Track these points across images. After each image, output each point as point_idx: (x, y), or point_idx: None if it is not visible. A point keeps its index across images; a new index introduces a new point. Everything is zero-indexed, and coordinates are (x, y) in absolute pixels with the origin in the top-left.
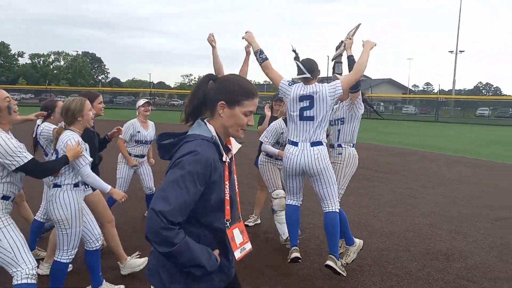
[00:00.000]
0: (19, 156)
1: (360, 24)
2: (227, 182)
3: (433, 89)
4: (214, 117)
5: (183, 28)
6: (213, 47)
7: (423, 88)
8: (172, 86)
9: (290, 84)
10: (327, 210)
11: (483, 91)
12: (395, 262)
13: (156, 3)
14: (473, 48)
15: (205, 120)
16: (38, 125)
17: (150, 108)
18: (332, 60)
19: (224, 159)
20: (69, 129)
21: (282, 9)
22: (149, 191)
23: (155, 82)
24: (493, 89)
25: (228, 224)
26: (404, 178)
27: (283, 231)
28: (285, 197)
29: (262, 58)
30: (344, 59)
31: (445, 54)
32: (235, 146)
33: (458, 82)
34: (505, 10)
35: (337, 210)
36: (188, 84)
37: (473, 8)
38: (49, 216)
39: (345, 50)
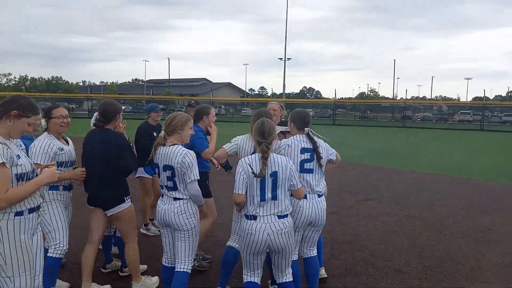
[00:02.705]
0: None
1: None
2: None
3: (267, 93)
4: None
5: None
6: None
7: (258, 91)
8: None
9: None
10: (312, 255)
11: (307, 94)
12: None
13: None
14: (298, 56)
15: None
16: None
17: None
18: None
19: None
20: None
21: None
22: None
23: None
24: (315, 93)
25: None
26: None
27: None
28: None
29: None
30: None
31: (277, 61)
32: None
33: (287, 86)
34: (321, 27)
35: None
36: (6, 84)
37: (297, 24)
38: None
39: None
